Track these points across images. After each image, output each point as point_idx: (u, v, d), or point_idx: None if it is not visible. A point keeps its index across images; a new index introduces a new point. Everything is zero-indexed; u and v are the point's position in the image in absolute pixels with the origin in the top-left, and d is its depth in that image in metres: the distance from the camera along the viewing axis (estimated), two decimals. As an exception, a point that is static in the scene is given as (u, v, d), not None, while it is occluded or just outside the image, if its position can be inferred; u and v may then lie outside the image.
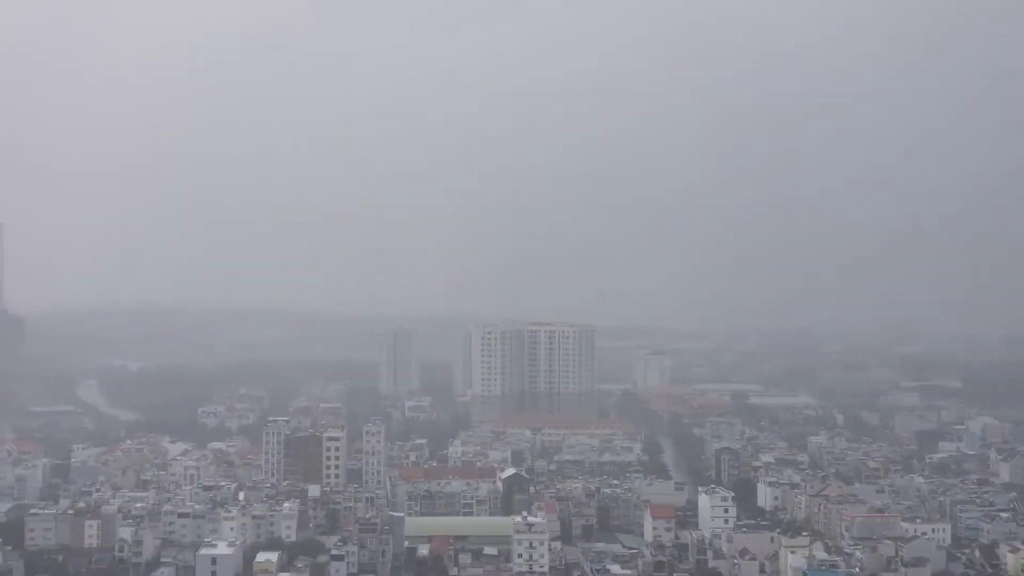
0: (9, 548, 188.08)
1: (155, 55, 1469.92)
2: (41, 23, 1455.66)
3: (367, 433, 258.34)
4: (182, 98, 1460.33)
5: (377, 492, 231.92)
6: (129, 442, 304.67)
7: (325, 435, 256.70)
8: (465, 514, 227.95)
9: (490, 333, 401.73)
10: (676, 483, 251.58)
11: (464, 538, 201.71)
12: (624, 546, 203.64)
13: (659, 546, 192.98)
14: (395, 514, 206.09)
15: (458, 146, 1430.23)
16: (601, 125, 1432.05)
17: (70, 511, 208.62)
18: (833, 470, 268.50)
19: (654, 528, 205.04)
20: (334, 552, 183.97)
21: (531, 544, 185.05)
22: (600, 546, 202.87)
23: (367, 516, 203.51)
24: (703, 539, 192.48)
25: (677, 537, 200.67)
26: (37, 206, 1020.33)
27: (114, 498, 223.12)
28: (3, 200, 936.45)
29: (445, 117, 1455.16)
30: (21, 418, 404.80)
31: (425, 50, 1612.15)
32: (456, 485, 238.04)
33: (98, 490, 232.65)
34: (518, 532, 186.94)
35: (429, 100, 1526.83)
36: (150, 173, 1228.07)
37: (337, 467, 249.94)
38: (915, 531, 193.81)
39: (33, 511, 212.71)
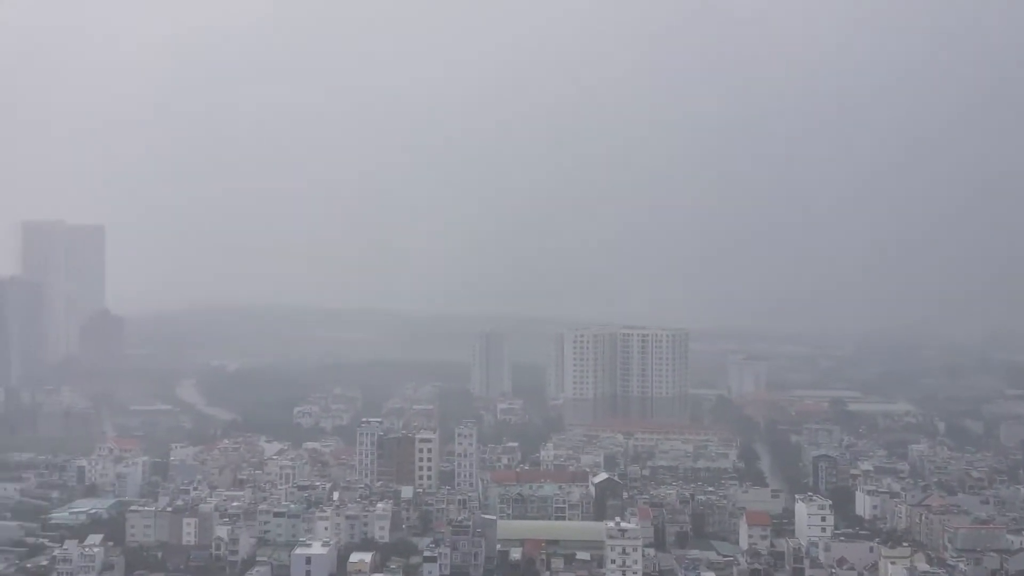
0: (111, 544, 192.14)
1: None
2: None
3: (459, 435, 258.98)
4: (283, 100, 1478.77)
5: (469, 494, 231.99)
6: (226, 441, 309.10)
7: (418, 436, 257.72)
8: (557, 518, 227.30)
9: (582, 336, 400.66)
10: (772, 490, 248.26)
11: (556, 542, 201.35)
12: (719, 553, 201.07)
13: (755, 554, 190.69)
14: (487, 517, 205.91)
15: (537, 148, 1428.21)
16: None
17: (169, 508, 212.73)
18: (935, 479, 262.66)
19: (749, 536, 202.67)
20: (427, 554, 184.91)
21: (624, 550, 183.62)
22: (694, 553, 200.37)
23: (459, 518, 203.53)
24: (800, 548, 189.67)
25: (773, 545, 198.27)
26: (138, 210, 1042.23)
27: (211, 496, 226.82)
28: (105, 204, 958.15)
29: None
30: (122, 417, 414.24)
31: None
32: (548, 489, 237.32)
33: (196, 488, 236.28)
34: (611, 537, 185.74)
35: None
36: (250, 178, 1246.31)
37: (429, 469, 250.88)
38: (1021, 543, 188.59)
39: (133, 508, 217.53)
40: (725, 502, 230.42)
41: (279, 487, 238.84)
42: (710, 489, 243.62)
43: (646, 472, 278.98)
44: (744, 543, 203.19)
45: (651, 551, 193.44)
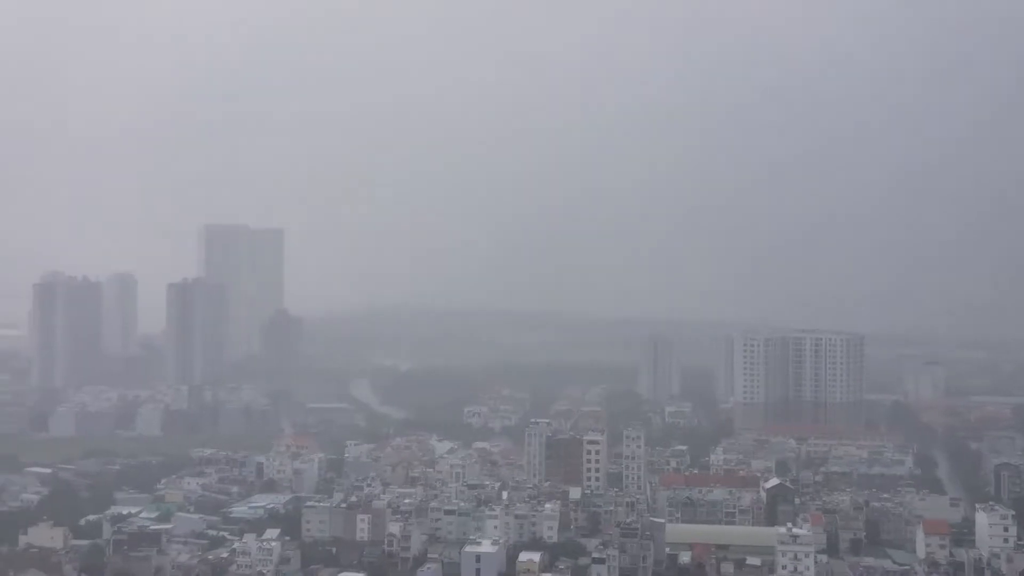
0: (287, 538, 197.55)
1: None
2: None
3: (627, 438, 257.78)
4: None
5: (638, 497, 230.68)
6: (399, 439, 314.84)
7: (586, 438, 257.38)
8: (727, 523, 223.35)
9: (753, 340, 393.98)
10: (951, 499, 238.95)
11: (726, 547, 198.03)
12: (895, 562, 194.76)
13: (933, 563, 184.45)
14: (656, 520, 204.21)
15: (695, 152, 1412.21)
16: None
17: (343, 505, 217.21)
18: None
19: (927, 544, 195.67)
20: (595, 555, 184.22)
21: (796, 556, 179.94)
22: (869, 561, 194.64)
23: (628, 520, 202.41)
24: (980, 558, 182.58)
25: (952, 555, 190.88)
26: (316, 213, 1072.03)
27: (384, 493, 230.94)
28: (284, 208, 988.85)
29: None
30: (299, 414, 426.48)
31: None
32: (718, 493, 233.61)
33: (369, 485, 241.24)
34: (782, 543, 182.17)
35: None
36: (426, 181, 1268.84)
37: (597, 471, 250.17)
38: None
39: (309, 504, 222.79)
40: (901, 509, 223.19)
41: (449, 485, 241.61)
42: (885, 496, 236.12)
43: (819, 478, 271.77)
44: (921, 552, 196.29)
45: (823, 558, 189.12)
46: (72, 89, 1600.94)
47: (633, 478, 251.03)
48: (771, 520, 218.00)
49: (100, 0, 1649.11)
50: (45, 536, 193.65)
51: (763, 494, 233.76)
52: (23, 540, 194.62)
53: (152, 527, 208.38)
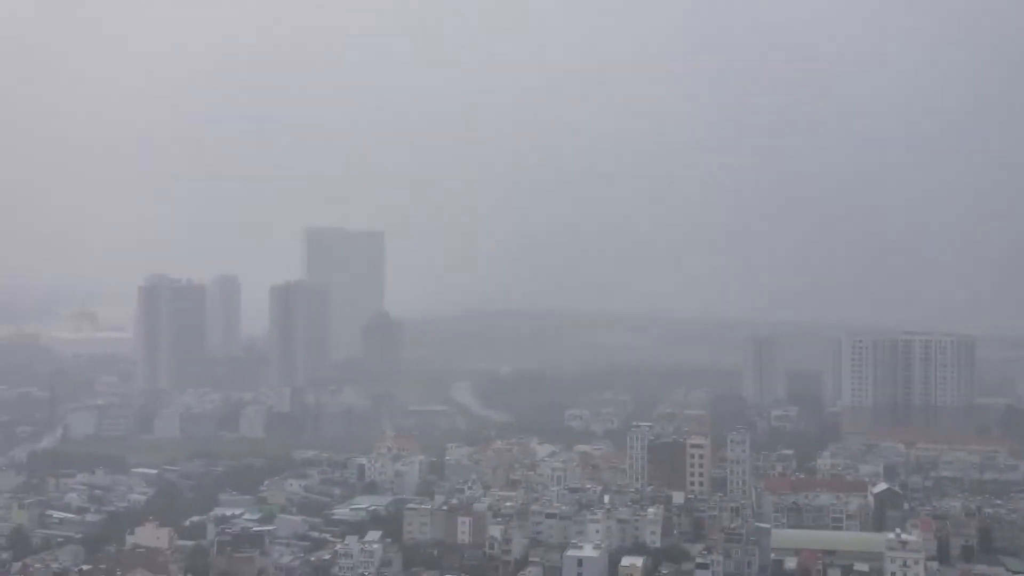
0: (389, 540, 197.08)
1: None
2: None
3: (732, 441, 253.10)
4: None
5: (742, 502, 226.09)
6: (499, 442, 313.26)
7: (689, 442, 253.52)
8: (834, 528, 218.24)
9: (860, 342, 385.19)
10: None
11: (833, 553, 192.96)
12: (1008, 569, 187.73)
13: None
14: (761, 525, 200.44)
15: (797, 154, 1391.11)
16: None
17: (444, 507, 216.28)
18: None
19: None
20: (699, 560, 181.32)
21: (905, 563, 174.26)
22: (981, 568, 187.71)
23: (732, 526, 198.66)
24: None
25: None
26: (416, 216, 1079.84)
27: (485, 496, 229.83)
28: (385, 211, 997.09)
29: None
30: (400, 416, 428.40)
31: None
32: (825, 498, 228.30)
33: (470, 488, 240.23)
34: (891, 549, 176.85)
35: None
36: (520, 183, 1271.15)
37: (701, 475, 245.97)
38: None
39: (410, 506, 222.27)
40: (1015, 516, 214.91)
41: (551, 489, 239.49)
42: (998, 502, 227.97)
43: (928, 483, 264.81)
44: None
45: (933, 564, 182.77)
46: (178, 95, 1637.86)
47: (738, 483, 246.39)
48: (879, 526, 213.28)
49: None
50: (151, 536, 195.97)
51: (871, 499, 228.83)
52: (130, 540, 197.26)
53: (255, 528, 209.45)
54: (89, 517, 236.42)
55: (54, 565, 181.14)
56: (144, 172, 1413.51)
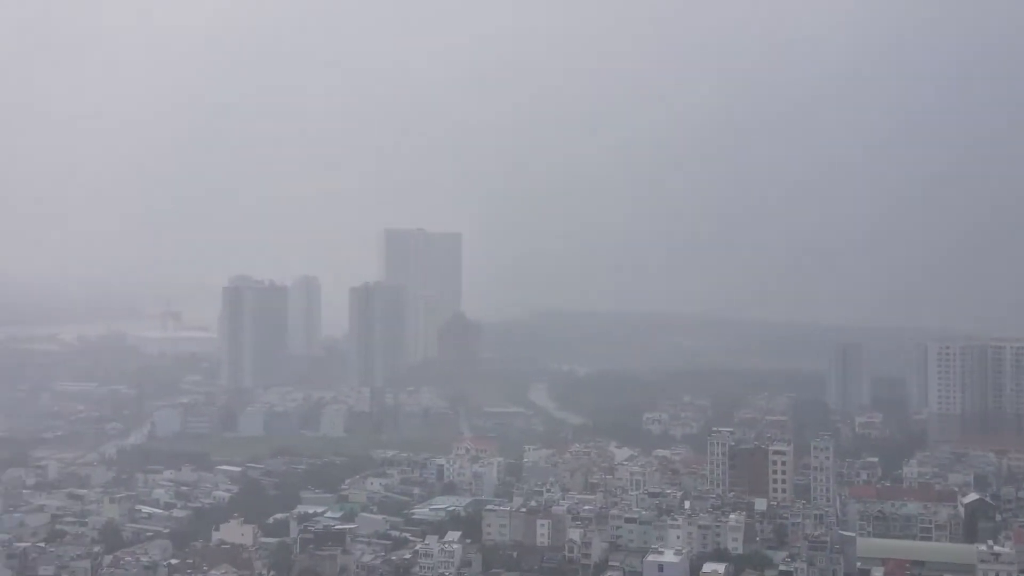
0: (468, 541, 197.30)
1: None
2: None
3: (815, 448, 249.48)
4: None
5: (826, 509, 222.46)
6: (577, 445, 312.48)
7: (771, 448, 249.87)
8: (922, 538, 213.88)
9: (948, 348, 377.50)
10: None
11: (921, 563, 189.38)
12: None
13: None
14: (846, 533, 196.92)
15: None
16: None
17: (523, 509, 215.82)
18: None
19: None
20: (782, 568, 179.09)
21: (997, 575, 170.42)
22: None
23: (816, 533, 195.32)
24: None
25: None
26: (491, 218, 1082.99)
27: (563, 499, 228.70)
28: (462, 213, 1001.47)
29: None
30: (477, 418, 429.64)
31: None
32: (912, 507, 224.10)
33: (548, 490, 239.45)
34: (983, 561, 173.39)
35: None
36: (601, 185, 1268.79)
37: (784, 481, 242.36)
38: None
39: (489, 507, 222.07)
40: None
41: (630, 493, 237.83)
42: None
43: (1022, 494, 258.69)
44: None
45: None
46: (263, 101, 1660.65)
47: (821, 490, 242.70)
48: (970, 537, 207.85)
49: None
50: (236, 533, 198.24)
51: (961, 509, 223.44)
52: (216, 536, 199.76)
53: (337, 527, 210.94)
54: (176, 513, 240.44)
55: (143, 559, 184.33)
56: (229, 175, 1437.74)
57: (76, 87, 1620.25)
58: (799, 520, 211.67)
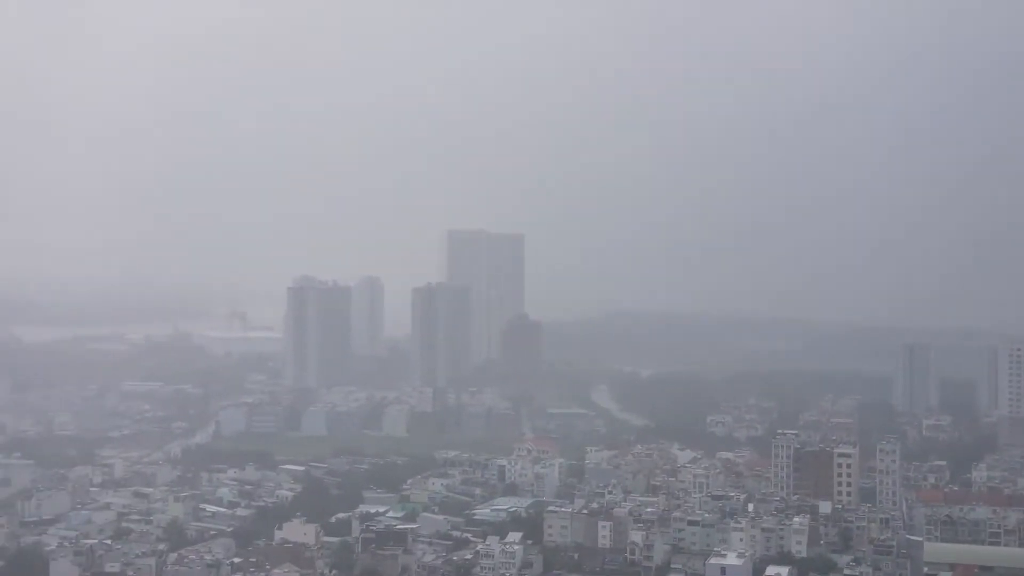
0: (529, 542, 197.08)
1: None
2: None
3: (881, 451, 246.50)
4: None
5: (892, 513, 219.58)
6: (639, 447, 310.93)
7: (836, 451, 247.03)
8: (991, 543, 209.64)
9: (1019, 350, 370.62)
10: None
11: (990, 569, 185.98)
12: None
13: None
14: (912, 538, 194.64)
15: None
16: None
17: (584, 511, 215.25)
18: None
19: None
20: (847, 572, 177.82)
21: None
22: None
23: (882, 537, 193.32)
24: None
25: None
26: (553, 219, 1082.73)
27: (625, 501, 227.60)
28: (525, 214, 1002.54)
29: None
30: (539, 419, 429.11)
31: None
32: (981, 512, 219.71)
33: (610, 492, 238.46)
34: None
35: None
36: (662, 184, 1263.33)
37: (849, 485, 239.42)
38: None
39: (551, 508, 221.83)
40: None
41: (693, 495, 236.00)
42: None
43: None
44: None
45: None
46: (328, 102, 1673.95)
47: (887, 493, 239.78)
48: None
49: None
50: (299, 532, 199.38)
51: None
52: (278, 535, 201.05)
53: (399, 526, 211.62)
54: (240, 511, 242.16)
55: (207, 557, 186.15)
56: (292, 176, 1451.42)
57: (129, 84, 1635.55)
58: (864, 524, 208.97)
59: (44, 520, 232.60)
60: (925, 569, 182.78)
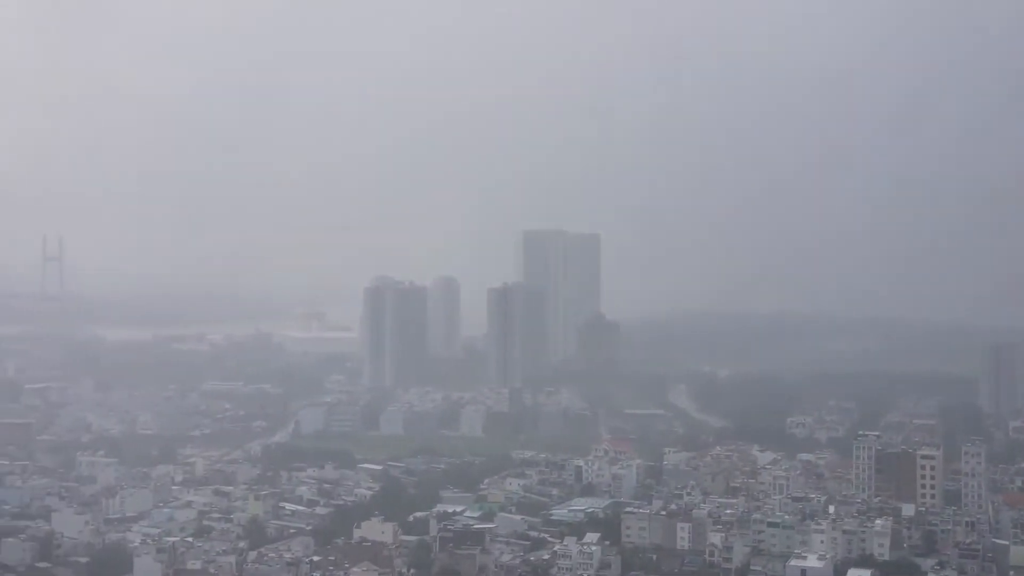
0: (607, 543, 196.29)
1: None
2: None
3: (966, 453, 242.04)
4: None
5: (978, 516, 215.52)
6: (718, 448, 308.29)
7: (919, 452, 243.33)
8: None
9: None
10: None
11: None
12: None
13: None
14: (999, 541, 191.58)
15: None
16: None
17: (663, 512, 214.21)
18: None
19: None
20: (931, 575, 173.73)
21: None
22: None
23: (967, 541, 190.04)
24: None
25: None
26: (630, 218, 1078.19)
27: (704, 503, 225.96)
28: (601, 213, 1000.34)
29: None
30: (616, 419, 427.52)
31: None
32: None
33: (689, 494, 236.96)
34: None
35: None
36: (735, 182, 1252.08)
37: (933, 487, 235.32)
38: None
39: (628, 510, 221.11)
40: None
41: (773, 497, 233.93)
42: None
43: None
44: None
45: None
46: (404, 100, 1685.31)
47: (973, 496, 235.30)
48: None
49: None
50: (377, 530, 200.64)
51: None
52: (357, 533, 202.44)
53: (476, 526, 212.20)
54: (319, 510, 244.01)
55: (287, 555, 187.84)
56: (367, 178, 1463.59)
57: (194, 80, 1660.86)
58: (949, 527, 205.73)
59: (128, 517, 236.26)
60: (1011, 573, 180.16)
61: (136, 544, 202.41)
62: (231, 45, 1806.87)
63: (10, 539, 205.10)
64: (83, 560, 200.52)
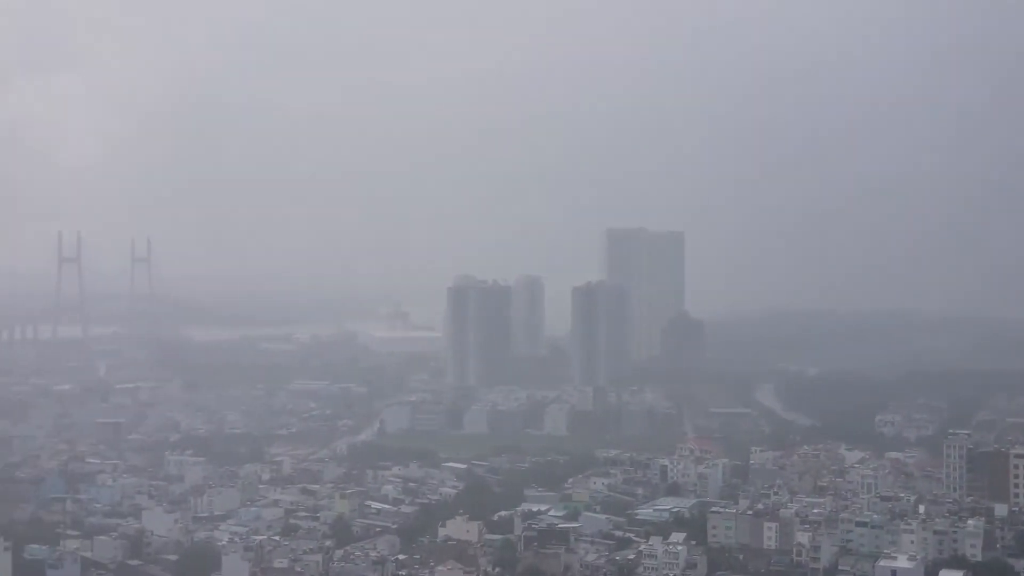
0: (693, 543, 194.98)
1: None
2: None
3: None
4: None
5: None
6: (805, 447, 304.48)
7: (1013, 451, 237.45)
8: None
9: None
10: None
11: None
12: None
13: None
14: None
15: None
16: None
17: (749, 512, 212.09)
18: None
19: None
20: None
21: None
22: None
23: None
24: None
25: None
26: (714, 216, 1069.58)
27: (791, 502, 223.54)
28: (685, 211, 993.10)
29: None
30: (702, 418, 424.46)
31: None
32: None
33: (776, 493, 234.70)
34: None
35: None
36: (822, 179, 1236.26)
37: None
38: None
39: (715, 509, 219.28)
40: None
41: (861, 496, 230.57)
42: None
43: None
44: None
45: None
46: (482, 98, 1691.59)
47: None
48: None
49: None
50: (461, 529, 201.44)
51: None
52: (442, 532, 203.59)
53: (561, 525, 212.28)
54: (404, 508, 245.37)
55: (372, 554, 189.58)
56: (450, 176, 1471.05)
57: (317, 86, 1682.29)
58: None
59: (215, 516, 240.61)
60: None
61: (224, 542, 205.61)
62: (338, 46, 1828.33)
63: (102, 537, 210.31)
64: (172, 558, 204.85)
